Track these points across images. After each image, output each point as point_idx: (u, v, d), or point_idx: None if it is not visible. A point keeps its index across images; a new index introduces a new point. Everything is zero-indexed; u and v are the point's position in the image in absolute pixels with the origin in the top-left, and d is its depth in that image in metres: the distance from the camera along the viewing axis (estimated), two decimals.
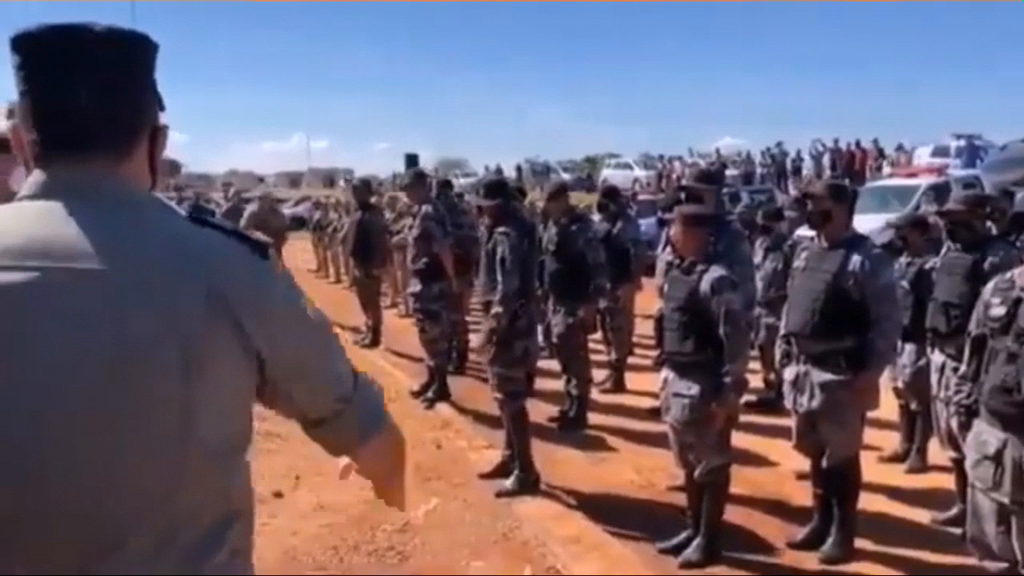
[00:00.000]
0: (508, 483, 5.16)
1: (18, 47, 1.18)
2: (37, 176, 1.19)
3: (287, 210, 31.48)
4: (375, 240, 9.72)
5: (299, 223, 25.53)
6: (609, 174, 31.06)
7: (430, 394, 7.31)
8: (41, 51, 1.18)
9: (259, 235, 1.26)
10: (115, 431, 1.10)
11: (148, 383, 1.11)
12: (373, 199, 11.22)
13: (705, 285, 4.04)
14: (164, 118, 1.32)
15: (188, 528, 1.16)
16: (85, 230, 1.12)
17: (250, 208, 14.07)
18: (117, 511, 1.12)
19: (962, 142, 25.16)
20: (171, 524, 1.15)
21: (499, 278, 5.17)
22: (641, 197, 21.48)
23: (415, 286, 7.41)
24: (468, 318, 8.79)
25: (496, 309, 5.18)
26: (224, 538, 1.21)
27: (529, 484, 5.16)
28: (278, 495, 5.09)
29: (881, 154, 28.13)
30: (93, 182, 1.17)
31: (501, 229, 5.25)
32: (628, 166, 35.97)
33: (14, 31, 1.19)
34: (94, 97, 1.18)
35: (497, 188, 5.58)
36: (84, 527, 1.11)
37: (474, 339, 6.87)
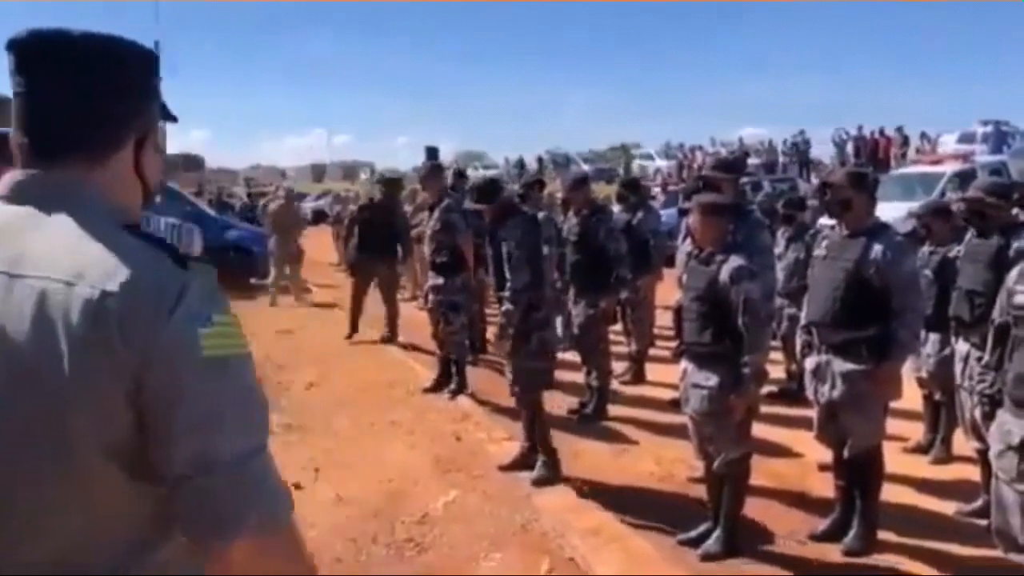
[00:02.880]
0: (534, 473, 5.15)
1: (11, 51, 1.22)
2: (8, 179, 1.22)
3: (309, 204, 31.70)
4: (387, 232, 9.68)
5: (321, 216, 25.61)
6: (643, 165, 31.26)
7: (453, 386, 7.32)
8: (24, 55, 1.21)
9: (194, 261, 1.18)
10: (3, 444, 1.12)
11: (33, 397, 1.09)
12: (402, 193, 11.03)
13: (724, 275, 4.01)
14: (165, 123, 1.35)
15: (81, 553, 1.15)
16: (32, 237, 1.14)
17: (272, 206, 14.25)
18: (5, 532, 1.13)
19: (989, 128, 24.87)
20: (61, 549, 1.14)
21: (507, 275, 5.15)
22: (670, 188, 21.44)
23: (436, 279, 7.39)
24: (487, 310, 8.78)
25: (507, 306, 5.16)
26: (135, 565, 1.17)
27: (554, 470, 5.14)
28: (297, 487, 5.09)
29: (906, 141, 27.81)
30: (59, 188, 1.19)
31: (506, 225, 5.23)
32: (650, 157, 35.88)
33: (9, 36, 1.22)
34: (69, 99, 1.20)
35: (489, 189, 5.55)
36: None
37: (492, 332, 6.85)
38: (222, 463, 1.10)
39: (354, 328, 9.87)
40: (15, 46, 1.21)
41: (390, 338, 9.78)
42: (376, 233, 9.57)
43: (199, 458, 1.09)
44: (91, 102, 1.21)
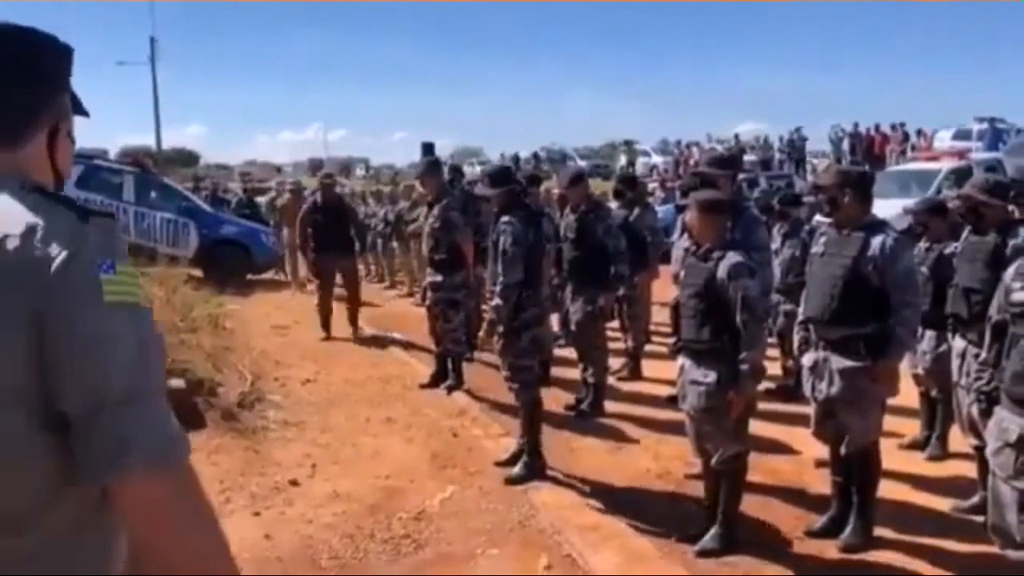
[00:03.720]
0: (516, 469, 5.16)
1: None
2: None
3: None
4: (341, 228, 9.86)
5: None
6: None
7: (449, 382, 7.32)
8: None
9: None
10: None
11: None
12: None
13: (722, 272, 4.00)
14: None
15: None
16: None
17: (279, 201, 14.78)
18: None
19: (984, 125, 24.89)
20: None
21: (499, 269, 5.13)
22: (668, 184, 21.43)
23: (435, 276, 7.37)
24: (484, 306, 8.76)
25: (496, 301, 5.15)
26: (41, 519, 1.18)
27: (536, 470, 5.14)
28: (294, 483, 5.10)
29: (906, 138, 27.83)
30: None
31: (505, 219, 5.19)
32: (646, 153, 35.87)
33: None
34: None
35: (502, 176, 5.53)
36: None
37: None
38: (112, 401, 1.12)
39: (326, 328, 9.86)
40: None
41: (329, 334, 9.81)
42: (329, 232, 9.75)
43: (91, 395, 1.11)
44: (4, 91, 1.27)
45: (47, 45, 1.33)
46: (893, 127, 28.39)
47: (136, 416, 1.13)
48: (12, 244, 1.13)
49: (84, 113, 1.43)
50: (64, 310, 1.12)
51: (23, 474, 1.16)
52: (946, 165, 16.85)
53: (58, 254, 1.13)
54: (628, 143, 37.45)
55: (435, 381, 7.46)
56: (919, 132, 28.10)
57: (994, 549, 3.38)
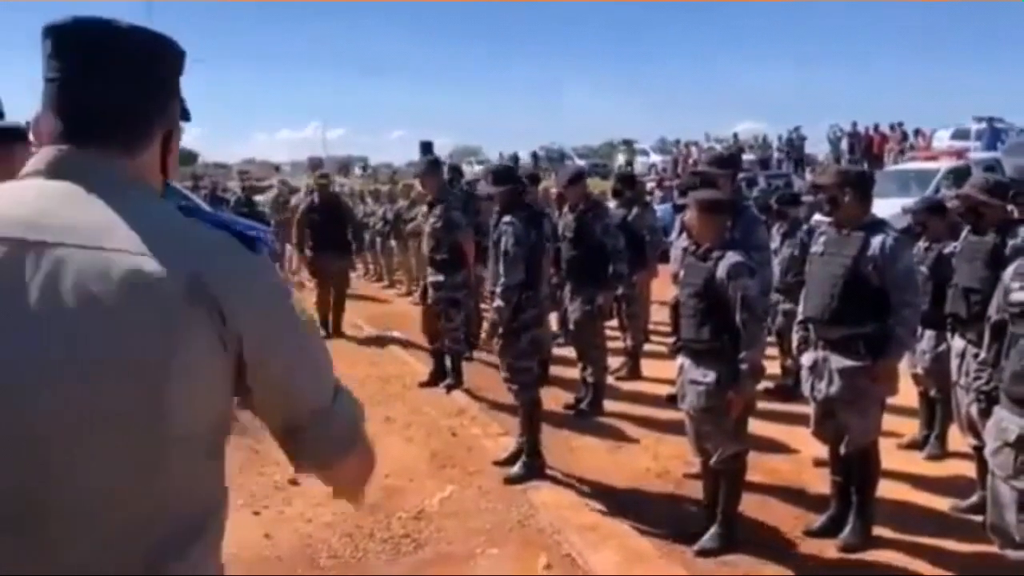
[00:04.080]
0: (515, 468, 5.16)
1: (49, 36, 1.23)
2: (44, 154, 1.21)
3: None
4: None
5: None
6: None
7: (449, 381, 7.33)
8: (68, 42, 1.22)
9: (252, 226, 1.25)
10: (88, 417, 1.09)
11: (125, 369, 1.09)
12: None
13: (721, 271, 4.00)
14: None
15: (160, 524, 1.15)
16: (85, 211, 1.14)
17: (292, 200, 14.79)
18: (87, 501, 1.11)
19: (983, 124, 24.88)
20: (143, 519, 1.14)
21: (501, 270, 5.12)
22: (666, 183, 21.42)
23: (436, 275, 7.35)
24: (484, 306, 8.76)
25: (497, 302, 5.14)
26: (196, 537, 1.19)
27: (535, 470, 5.15)
28: (293, 483, 5.09)
29: (904, 138, 27.82)
30: (98, 167, 1.20)
31: (506, 219, 5.18)
32: (644, 152, 35.84)
33: (48, 21, 1.23)
34: (113, 90, 1.22)
35: (506, 175, 5.53)
36: (54, 516, 1.10)
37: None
38: (332, 410, 1.30)
39: (325, 327, 9.86)
40: (55, 31, 1.22)
41: (331, 332, 9.83)
42: (327, 231, 9.84)
43: (320, 406, 1.28)
44: (130, 95, 1.24)
45: (168, 48, 1.30)
46: (892, 127, 28.38)
47: (348, 414, 1.35)
48: (206, 273, 1.14)
49: (187, 117, 1.39)
50: (273, 337, 1.22)
51: (189, 499, 1.21)
52: (945, 165, 16.85)
53: (252, 286, 1.20)
54: (628, 142, 37.41)
55: (434, 380, 7.47)
56: (917, 132, 28.09)
57: (993, 549, 3.39)
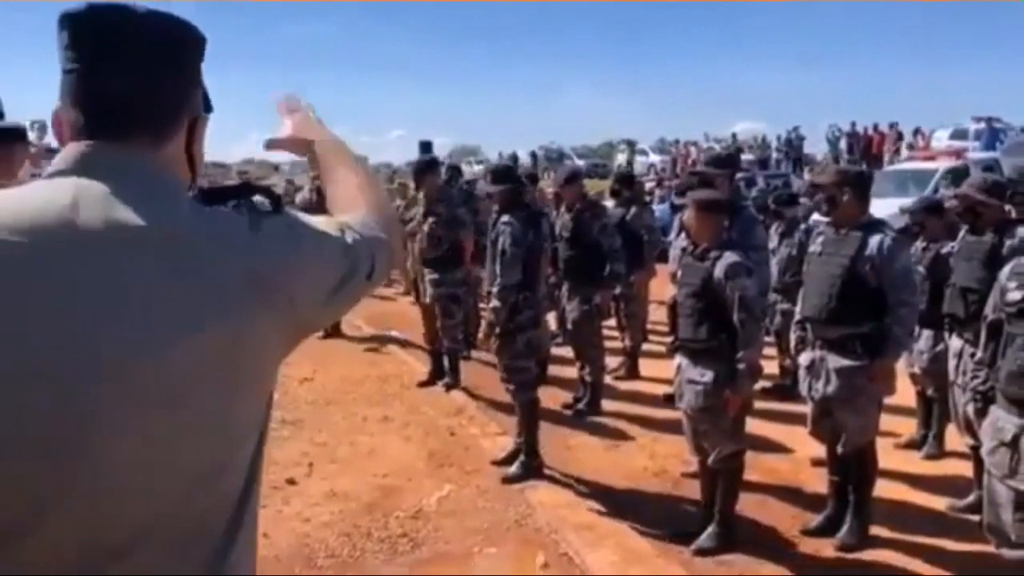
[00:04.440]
0: (513, 468, 5.17)
1: (64, 25, 1.18)
2: (72, 151, 1.16)
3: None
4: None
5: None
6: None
7: (447, 379, 7.33)
8: (85, 30, 1.17)
9: (265, 189, 1.25)
10: (153, 420, 1.07)
11: (191, 368, 1.08)
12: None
13: (719, 271, 4.01)
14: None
15: (213, 523, 1.14)
16: (121, 208, 1.10)
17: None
18: (151, 499, 1.09)
19: (981, 125, 24.88)
20: (198, 520, 1.12)
21: (498, 270, 5.11)
22: (666, 183, 21.40)
23: (432, 273, 7.33)
24: (482, 305, 8.76)
25: (493, 303, 5.14)
26: (240, 532, 1.18)
27: (533, 469, 5.15)
28: (291, 482, 5.11)
29: (900, 137, 27.83)
30: (128, 162, 1.16)
31: (504, 219, 5.17)
32: (643, 152, 35.85)
33: (63, 9, 1.18)
34: (135, 79, 1.17)
35: (505, 174, 5.52)
36: (106, 521, 1.07)
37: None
38: (349, 247, 1.30)
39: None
40: (71, 20, 1.17)
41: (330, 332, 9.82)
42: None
43: (351, 265, 1.30)
44: (153, 83, 1.19)
45: (189, 32, 1.25)
46: (890, 126, 28.38)
47: (360, 239, 1.37)
48: (257, 260, 1.15)
49: (209, 108, 1.33)
50: (313, 282, 1.25)
51: (244, 451, 1.22)
52: (943, 165, 16.84)
53: (288, 257, 1.21)
54: (629, 143, 37.36)
55: (432, 379, 7.47)
56: (917, 131, 28.09)
57: (990, 548, 3.40)
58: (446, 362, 7.46)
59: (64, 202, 1.09)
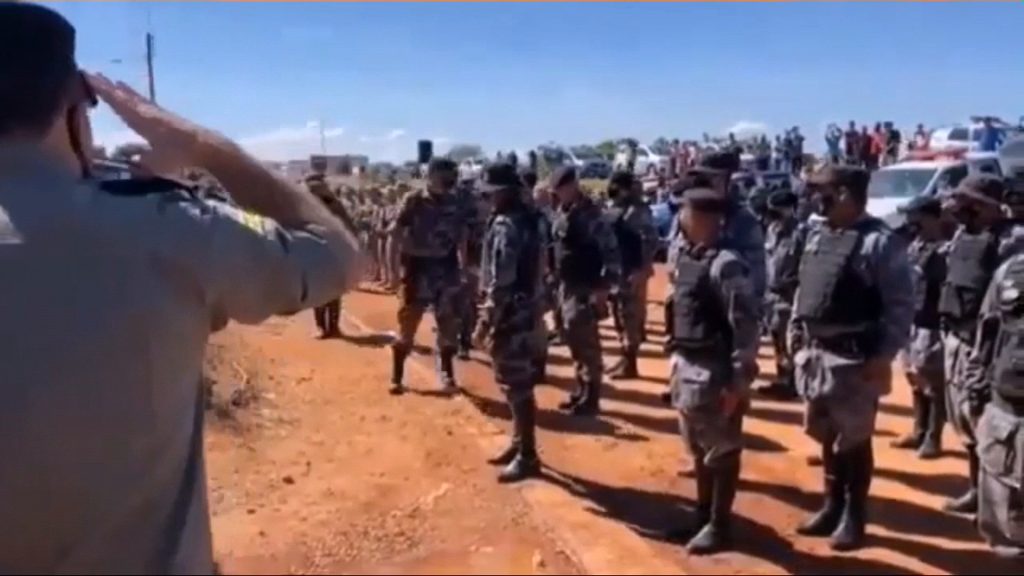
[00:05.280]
0: (509, 467, 5.17)
1: None
2: None
3: None
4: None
5: None
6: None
7: (448, 378, 7.32)
8: None
9: (174, 179, 1.24)
10: (72, 413, 1.10)
11: (101, 360, 1.10)
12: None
13: (715, 270, 4.01)
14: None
15: (154, 512, 1.15)
16: (15, 201, 1.12)
17: None
18: (89, 493, 1.11)
19: (980, 125, 24.86)
20: (138, 510, 1.14)
21: (493, 270, 5.11)
22: (668, 183, 21.39)
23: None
24: (480, 306, 8.76)
25: (488, 303, 5.14)
26: (188, 511, 1.20)
27: (529, 469, 5.15)
28: (288, 481, 5.11)
29: (894, 137, 27.79)
30: (14, 156, 1.18)
31: (500, 219, 5.16)
32: (643, 152, 35.86)
33: None
34: (9, 71, 1.19)
35: (503, 174, 5.52)
36: (54, 511, 1.10)
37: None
38: (283, 254, 1.27)
39: (322, 326, 9.88)
40: None
41: (328, 332, 9.86)
42: None
43: (279, 265, 1.27)
44: (29, 74, 1.20)
45: (58, 21, 1.27)
46: (887, 125, 28.34)
47: (297, 249, 1.33)
48: (162, 246, 1.15)
49: (93, 101, 1.35)
50: (229, 272, 1.23)
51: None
52: (941, 165, 16.85)
53: (197, 239, 1.19)
54: (631, 142, 37.35)
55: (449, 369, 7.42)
56: (919, 129, 28.02)
57: (986, 547, 3.40)
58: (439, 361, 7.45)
59: None
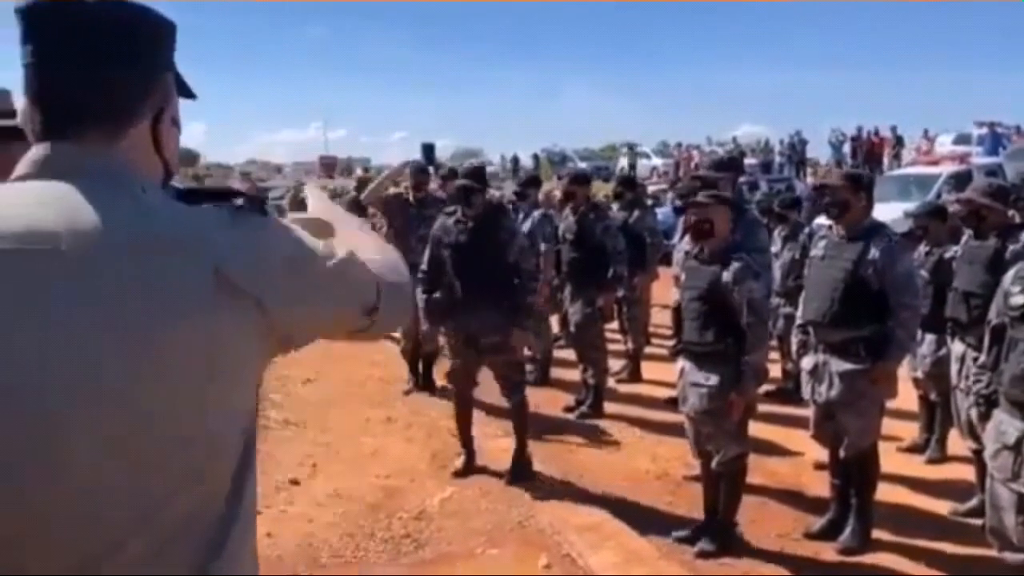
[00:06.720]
0: (515, 469, 5.18)
1: (20, 19, 1.15)
2: (33, 154, 1.14)
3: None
4: None
5: None
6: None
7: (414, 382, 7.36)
8: (36, 23, 1.14)
9: (251, 192, 1.23)
10: (127, 427, 1.06)
11: (164, 373, 1.06)
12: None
13: (727, 275, 4.01)
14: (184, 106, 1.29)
15: (197, 528, 1.13)
16: (84, 212, 1.07)
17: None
18: (119, 511, 1.08)
19: (984, 130, 24.86)
20: (175, 524, 1.11)
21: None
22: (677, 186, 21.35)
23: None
24: None
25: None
26: (227, 537, 1.16)
27: (523, 471, 5.16)
28: (295, 483, 5.12)
29: (899, 142, 27.77)
30: (88, 163, 1.13)
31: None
32: (646, 155, 35.88)
33: (15, 3, 1.15)
34: (86, 72, 1.14)
35: (477, 175, 5.45)
36: (84, 526, 1.07)
37: None
38: (376, 300, 1.31)
39: None
40: (23, 13, 1.14)
41: None
42: None
43: (367, 309, 1.31)
44: (106, 76, 1.15)
45: (146, 17, 1.19)
46: (892, 129, 28.31)
47: (389, 302, 1.36)
48: (227, 261, 1.11)
49: (190, 95, 1.29)
50: (296, 293, 1.20)
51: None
52: (946, 169, 16.85)
53: (264, 260, 1.16)
54: (631, 146, 37.39)
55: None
56: (925, 133, 27.99)
57: (992, 552, 3.39)
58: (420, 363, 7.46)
59: (27, 209, 1.07)
